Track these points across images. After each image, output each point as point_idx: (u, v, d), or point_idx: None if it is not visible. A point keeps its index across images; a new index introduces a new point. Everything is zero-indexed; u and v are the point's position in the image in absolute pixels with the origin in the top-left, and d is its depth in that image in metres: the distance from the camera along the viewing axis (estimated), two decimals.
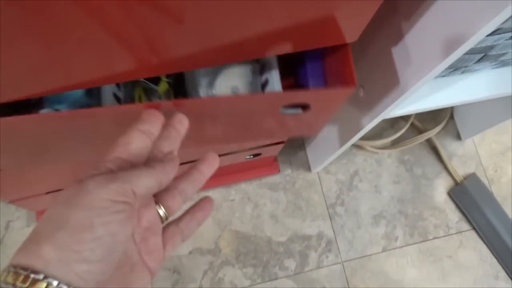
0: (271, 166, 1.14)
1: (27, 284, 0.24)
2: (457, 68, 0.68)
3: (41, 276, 0.25)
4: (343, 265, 1.14)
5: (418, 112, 0.80)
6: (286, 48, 0.49)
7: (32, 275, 0.25)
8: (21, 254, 0.26)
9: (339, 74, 0.56)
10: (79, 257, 0.26)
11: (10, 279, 0.25)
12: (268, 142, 0.80)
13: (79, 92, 0.53)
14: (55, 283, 0.25)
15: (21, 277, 0.25)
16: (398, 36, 0.63)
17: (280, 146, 0.97)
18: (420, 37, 0.58)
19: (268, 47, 0.48)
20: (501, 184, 1.27)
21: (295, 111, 0.56)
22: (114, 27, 0.36)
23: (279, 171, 1.15)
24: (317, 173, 1.20)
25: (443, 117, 1.28)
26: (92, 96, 0.54)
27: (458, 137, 1.29)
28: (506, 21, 0.50)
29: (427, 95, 0.79)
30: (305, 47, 0.50)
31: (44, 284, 0.24)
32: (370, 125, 0.79)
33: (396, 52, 0.64)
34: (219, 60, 0.51)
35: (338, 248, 1.15)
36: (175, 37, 0.42)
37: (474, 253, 1.19)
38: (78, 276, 0.26)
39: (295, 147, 1.21)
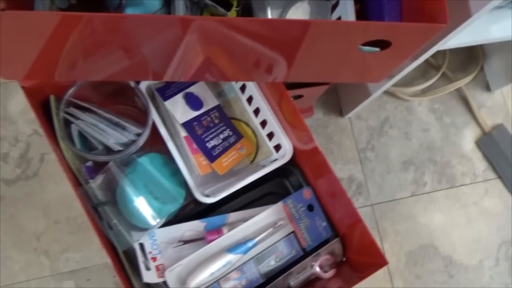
0: (305, 109, 1.14)
1: None
2: None
3: None
4: (372, 207, 1.16)
5: (470, 44, 0.80)
6: None
7: None
8: None
9: (421, 12, 0.53)
10: None
11: None
12: (332, 80, 0.75)
13: (156, 4, 0.53)
14: None
15: None
16: None
17: (325, 87, 0.97)
18: None
19: None
20: None
21: (373, 49, 0.53)
22: None
23: (313, 113, 1.15)
24: (349, 118, 1.21)
25: (473, 68, 1.28)
26: None
27: (488, 88, 1.30)
28: None
29: (480, 27, 0.78)
30: None
31: None
32: (424, 56, 0.79)
33: None
34: None
35: (368, 191, 1.16)
36: None
37: (499, 201, 1.22)
38: None
39: (327, 92, 1.21)
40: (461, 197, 1.20)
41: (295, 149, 0.73)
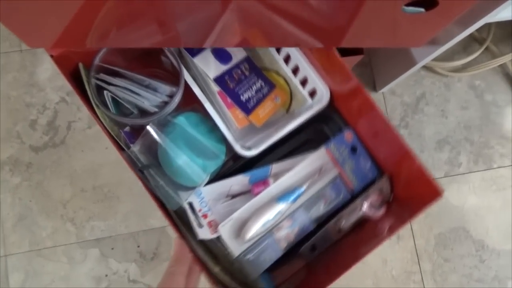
0: None
1: None
2: None
3: None
4: None
5: None
6: None
7: None
8: None
9: None
10: None
11: None
12: (367, 45, 0.72)
13: None
14: None
15: None
16: None
17: (359, 58, 0.92)
18: None
19: None
20: None
21: (418, 9, 0.49)
22: None
23: None
24: (382, 93, 1.15)
25: None
26: None
27: None
28: None
29: None
30: None
31: None
32: (471, 29, 0.73)
33: None
34: None
35: None
36: None
37: None
38: None
39: (360, 65, 1.15)
40: (498, 179, 1.14)
41: (332, 93, 0.70)
